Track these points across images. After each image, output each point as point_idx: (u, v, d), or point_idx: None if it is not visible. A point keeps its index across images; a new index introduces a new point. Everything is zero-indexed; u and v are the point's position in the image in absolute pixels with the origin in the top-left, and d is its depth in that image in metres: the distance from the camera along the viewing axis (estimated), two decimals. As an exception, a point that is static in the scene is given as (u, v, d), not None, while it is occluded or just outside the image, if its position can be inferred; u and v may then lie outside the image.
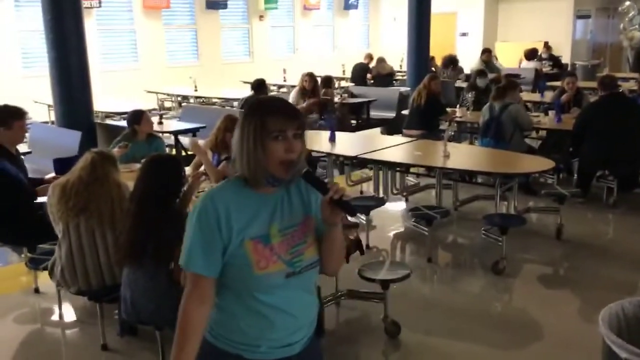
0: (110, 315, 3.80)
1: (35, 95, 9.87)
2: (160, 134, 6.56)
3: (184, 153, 7.33)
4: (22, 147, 5.31)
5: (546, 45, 14.53)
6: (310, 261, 1.75)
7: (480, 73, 8.76)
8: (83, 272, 3.41)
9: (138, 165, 4.49)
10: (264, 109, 1.70)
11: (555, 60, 13.91)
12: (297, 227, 1.75)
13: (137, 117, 5.36)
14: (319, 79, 9.05)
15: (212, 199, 1.69)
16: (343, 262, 1.88)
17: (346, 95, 10.25)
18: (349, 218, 4.36)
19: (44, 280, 4.09)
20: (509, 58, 14.42)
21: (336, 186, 1.66)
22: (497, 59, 13.18)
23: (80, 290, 3.46)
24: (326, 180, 1.70)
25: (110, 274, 3.41)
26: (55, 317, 4.06)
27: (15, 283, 4.45)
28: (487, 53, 12.00)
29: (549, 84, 9.76)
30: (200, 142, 4.64)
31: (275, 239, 1.70)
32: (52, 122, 7.94)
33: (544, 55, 13.76)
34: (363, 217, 5.26)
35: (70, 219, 3.38)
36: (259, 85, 8.30)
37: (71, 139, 6.28)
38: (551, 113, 6.99)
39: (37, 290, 4.32)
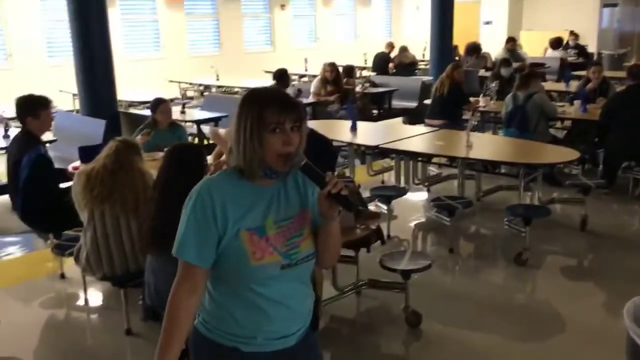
0: (134, 300, 3.85)
1: (60, 84, 10.01)
2: (183, 123, 6.61)
3: (206, 142, 7.37)
4: (47, 136, 5.41)
5: (573, 34, 14.27)
6: (306, 253, 1.73)
7: (504, 62, 8.64)
8: (108, 259, 3.46)
9: (161, 154, 4.54)
10: (261, 100, 1.65)
11: (581, 49, 13.67)
12: (293, 219, 1.73)
13: (155, 106, 5.42)
14: (340, 69, 9.02)
15: (209, 189, 1.67)
16: (338, 257, 1.85)
17: (368, 84, 10.21)
18: (370, 208, 4.37)
19: (70, 266, 4.16)
20: (533, 47, 14.20)
21: (334, 180, 1.62)
22: (521, 47, 12.99)
23: (105, 276, 3.51)
24: (328, 173, 1.65)
25: (134, 261, 3.46)
26: (80, 302, 4.13)
27: (41, 269, 4.54)
28: (511, 42, 11.83)
29: (574, 73, 9.59)
30: (221, 131, 4.67)
31: (270, 231, 1.68)
32: (77, 111, 8.04)
33: (570, 44, 13.52)
34: (384, 207, 5.25)
35: (95, 207, 3.43)
36: (281, 75, 8.30)
37: (96, 128, 6.36)
38: (576, 103, 6.88)
39: (62, 276, 4.41)
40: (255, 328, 1.70)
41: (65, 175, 4.29)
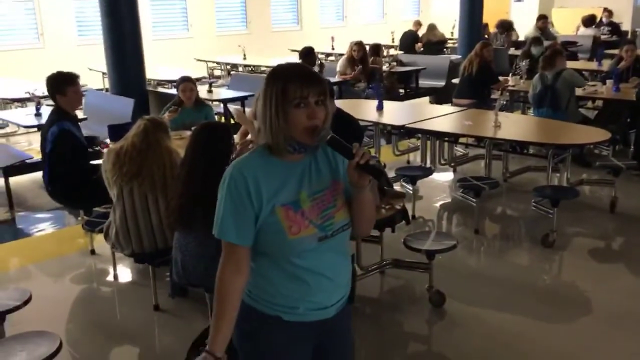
0: (162, 277, 3.93)
1: (90, 62, 10.13)
2: (210, 102, 6.65)
3: (232, 121, 7.41)
4: (78, 114, 5.49)
5: (607, 10, 13.88)
6: (342, 224, 1.77)
7: (535, 40, 8.46)
8: (136, 235, 3.53)
9: (188, 132, 4.59)
10: (284, 75, 1.67)
11: (614, 27, 13.30)
12: (325, 191, 1.76)
13: (178, 85, 5.46)
14: (367, 48, 8.94)
15: (240, 169, 1.69)
16: (373, 224, 1.90)
17: (395, 63, 10.11)
18: (395, 188, 4.35)
19: (100, 242, 4.25)
20: (565, 25, 13.86)
21: (361, 151, 1.64)
22: (553, 25, 12.69)
23: (134, 252, 3.59)
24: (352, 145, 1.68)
25: (162, 238, 3.52)
26: (109, 277, 4.23)
27: (72, 245, 4.64)
28: (543, 20, 11.56)
29: (607, 52, 9.36)
30: (246, 110, 4.68)
31: (305, 204, 1.72)
32: (106, 90, 8.14)
33: (604, 21, 13.16)
34: (410, 187, 5.23)
35: (124, 184, 3.49)
36: (308, 53, 8.27)
37: (124, 106, 6.44)
38: (608, 82, 6.72)
39: (93, 252, 4.51)
40: (297, 298, 1.75)
41: (92, 151, 4.35)
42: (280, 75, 1.68)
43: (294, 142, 1.67)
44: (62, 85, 4.34)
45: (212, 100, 7.32)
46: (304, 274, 1.74)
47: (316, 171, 1.76)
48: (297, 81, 1.64)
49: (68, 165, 4.29)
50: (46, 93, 8.26)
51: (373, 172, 1.67)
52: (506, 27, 11.46)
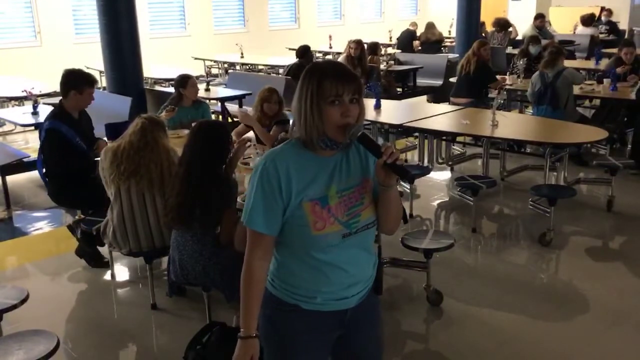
0: (160, 275, 3.93)
1: (87, 61, 10.11)
2: (207, 101, 6.64)
3: (230, 120, 7.40)
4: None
5: (607, 10, 13.90)
6: (367, 222, 1.79)
7: (533, 39, 8.47)
8: (134, 234, 3.52)
9: (185, 131, 4.59)
10: (320, 72, 1.70)
11: (612, 26, 13.31)
12: (354, 188, 1.78)
13: (183, 82, 5.44)
14: (365, 46, 8.94)
15: (274, 160, 1.72)
16: (400, 222, 1.92)
17: (392, 62, 10.11)
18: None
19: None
20: (563, 24, 13.87)
21: (390, 149, 1.66)
22: (550, 24, 12.70)
23: (131, 251, 3.58)
24: (380, 144, 1.70)
25: (159, 236, 3.52)
26: (107, 276, 4.22)
27: (70, 243, 4.62)
28: (540, 18, 11.56)
29: (604, 50, 9.37)
30: (249, 110, 4.70)
31: (332, 201, 1.74)
32: (104, 88, 8.13)
33: (603, 20, 13.18)
34: (407, 185, 5.24)
35: (121, 183, 3.49)
36: (304, 52, 8.27)
37: (122, 105, 6.44)
38: (606, 81, 6.73)
39: (90, 251, 4.50)
40: (315, 289, 1.79)
41: (83, 156, 4.33)
42: (316, 72, 1.70)
43: (327, 138, 1.70)
44: (82, 83, 4.33)
45: (210, 99, 7.32)
46: (324, 267, 1.77)
47: (347, 168, 1.79)
48: (332, 79, 1.66)
49: (58, 165, 4.31)
50: (43, 91, 8.31)
51: (400, 171, 1.69)
52: (503, 25, 11.45)
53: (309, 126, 1.68)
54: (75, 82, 4.32)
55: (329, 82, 1.66)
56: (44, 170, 4.48)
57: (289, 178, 1.70)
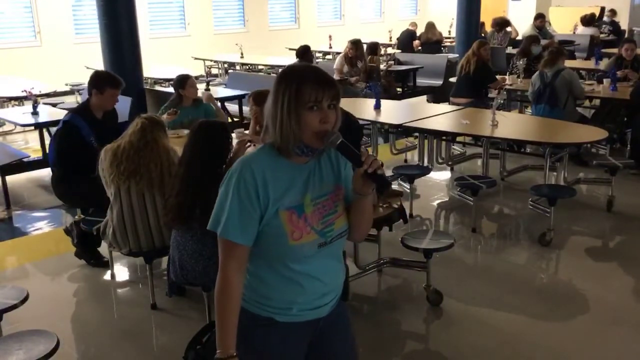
0: (160, 275, 3.93)
1: (87, 61, 10.12)
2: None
3: (230, 119, 7.40)
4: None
5: (611, 10, 13.89)
6: (340, 231, 1.76)
7: (534, 40, 8.48)
8: (134, 234, 3.52)
9: (186, 131, 4.59)
10: (298, 76, 1.63)
11: (615, 27, 13.32)
12: (327, 196, 1.74)
13: (182, 82, 5.44)
14: (365, 46, 8.94)
15: (250, 167, 1.65)
16: (369, 230, 1.88)
17: (392, 62, 10.11)
18: (393, 186, 4.36)
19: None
20: (563, 24, 13.87)
21: (371, 158, 1.61)
22: (550, 24, 12.71)
23: (131, 251, 3.58)
24: (361, 152, 1.66)
25: (159, 236, 3.52)
26: (107, 276, 4.22)
27: (69, 243, 4.61)
28: (540, 18, 11.56)
29: (604, 50, 9.37)
30: (246, 132, 4.68)
31: (308, 209, 1.69)
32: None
33: (606, 20, 13.17)
34: (407, 185, 5.24)
35: (121, 183, 3.49)
36: (304, 52, 8.26)
37: (122, 105, 6.38)
38: (606, 81, 6.73)
39: (90, 251, 4.49)
40: (290, 300, 1.74)
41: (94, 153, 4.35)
42: (294, 76, 1.64)
43: (303, 145, 1.64)
44: (105, 84, 4.40)
45: (214, 99, 7.30)
46: (299, 277, 1.72)
47: (320, 175, 1.74)
48: (312, 84, 1.60)
49: (62, 156, 4.35)
50: (43, 91, 8.33)
51: (380, 181, 1.62)
52: (501, 24, 11.44)
53: (285, 132, 1.61)
54: (98, 81, 4.42)
55: (308, 87, 1.59)
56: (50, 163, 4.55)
57: (265, 185, 1.64)
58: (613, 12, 13.85)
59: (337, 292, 1.85)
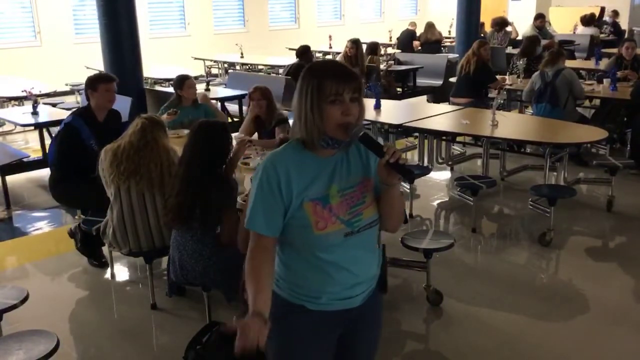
0: (160, 275, 3.93)
1: (87, 61, 10.12)
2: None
3: (230, 119, 7.40)
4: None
5: (613, 11, 13.89)
6: (369, 220, 1.80)
7: (534, 40, 8.48)
8: (134, 234, 3.52)
9: (186, 131, 4.58)
10: (320, 72, 1.71)
11: (616, 27, 13.32)
12: (355, 187, 1.78)
13: (180, 83, 5.44)
14: (364, 46, 8.94)
15: (273, 163, 1.73)
16: (402, 220, 1.93)
17: (392, 62, 10.10)
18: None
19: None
20: (563, 24, 13.87)
21: (392, 149, 1.66)
22: (550, 24, 12.71)
23: (131, 251, 3.58)
24: (382, 143, 1.71)
25: (159, 236, 3.52)
26: (107, 276, 4.22)
27: (69, 243, 4.61)
28: (540, 18, 11.57)
29: (604, 50, 9.37)
30: (239, 135, 4.65)
31: (334, 200, 1.74)
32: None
33: (607, 20, 13.17)
34: (407, 185, 5.23)
35: (121, 183, 3.49)
36: (303, 52, 8.27)
37: (122, 105, 6.39)
38: (606, 81, 6.74)
39: (90, 251, 4.49)
40: (319, 289, 1.79)
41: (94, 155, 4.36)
42: (316, 72, 1.71)
43: (327, 138, 1.70)
44: (95, 81, 4.44)
45: (210, 99, 7.30)
46: (327, 267, 1.77)
47: (347, 167, 1.79)
48: (332, 78, 1.67)
49: (61, 158, 4.35)
50: (43, 91, 8.34)
51: (402, 170, 1.69)
52: (500, 23, 11.45)
53: (309, 126, 1.68)
54: (90, 82, 4.47)
55: (329, 82, 1.66)
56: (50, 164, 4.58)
57: (288, 179, 1.71)
58: (615, 13, 13.85)
59: (370, 283, 1.88)
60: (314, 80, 1.68)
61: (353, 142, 1.73)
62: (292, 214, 1.72)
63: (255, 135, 4.82)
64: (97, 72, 4.66)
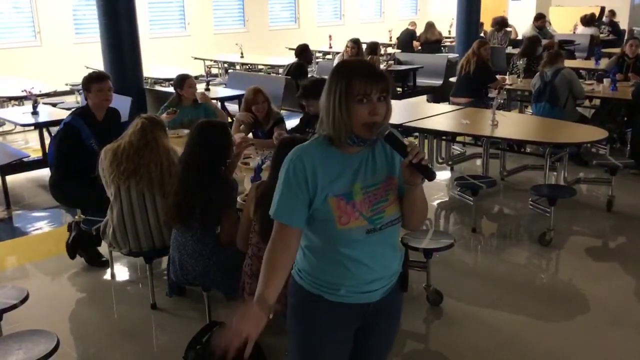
0: (160, 275, 3.93)
1: (87, 61, 10.11)
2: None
3: (230, 119, 7.40)
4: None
5: (610, 11, 13.91)
6: (391, 218, 1.82)
7: (535, 40, 8.48)
8: (134, 234, 3.52)
9: (186, 131, 4.59)
10: (348, 71, 1.73)
11: (614, 27, 13.32)
12: (379, 185, 1.81)
13: (181, 83, 5.44)
14: (364, 46, 8.94)
15: (301, 155, 1.76)
16: (424, 219, 1.95)
17: (392, 62, 10.10)
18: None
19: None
20: (563, 24, 13.87)
21: (416, 149, 1.68)
22: (550, 24, 12.71)
23: (131, 251, 3.58)
24: (407, 143, 1.73)
25: (159, 236, 3.52)
26: (107, 276, 4.22)
27: (69, 243, 4.63)
28: (540, 19, 11.57)
29: (604, 50, 9.37)
30: (239, 135, 4.62)
31: (357, 197, 1.77)
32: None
33: (605, 20, 13.19)
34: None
35: (121, 183, 3.49)
36: (303, 51, 8.27)
37: (122, 105, 6.40)
38: (606, 81, 6.74)
39: (90, 251, 4.49)
40: (338, 281, 1.82)
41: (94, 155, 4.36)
42: (345, 71, 1.74)
43: (354, 135, 1.72)
44: (88, 81, 4.42)
45: (210, 99, 7.30)
46: (348, 262, 1.80)
47: (373, 165, 1.81)
48: (361, 78, 1.69)
49: (64, 160, 4.34)
50: (43, 91, 8.34)
51: (425, 171, 1.70)
52: (500, 23, 11.45)
53: (337, 123, 1.71)
54: (84, 83, 4.46)
55: (358, 81, 1.68)
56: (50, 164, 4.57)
57: (314, 173, 1.74)
58: (612, 13, 13.85)
59: (390, 280, 1.90)
60: (343, 79, 1.71)
61: (379, 140, 1.76)
62: (317, 207, 1.75)
63: (250, 135, 4.82)
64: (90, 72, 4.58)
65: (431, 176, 1.71)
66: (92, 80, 4.43)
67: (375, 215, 1.78)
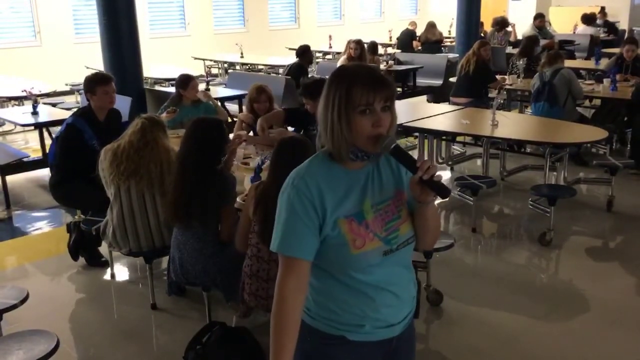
0: (160, 275, 3.93)
1: (87, 61, 10.12)
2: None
3: (230, 119, 7.40)
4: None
5: (602, 11, 13.92)
6: (407, 237, 1.64)
7: (533, 39, 8.48)
8: (134, 234, 3.52)
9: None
10: (349, 78, 1.53)
11: (610, 27, 13.32)
12: (389, 201, 1.63)
13: (184, 83, 5.43)
14: (365, 46, 8.94)
15: (303, 178, 1.56)
16: (438, 237, 1.76)
17: (392, 62, 10.11)
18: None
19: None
20: (563, 24, 13.88)
21: (427, 165, 1.49)
22: (550, 24, 12.72)
23: (131, 251, 3.58)
24: (416, 157, 1.57)
25: (159, 237, 3.52)
26: (107, 276, 4.21)
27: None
28: (540, 18, 11.57)
29: (604, 50, 9.37)
30: (242, 132, 4.62)
31: (368, 216, 1.58)
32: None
33: (599, 22, 13.20)
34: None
35: (121, 183, 3.49)
36: (304, 52, 8.26)
37: (122, 105, 6.40)
38: (606, 81, 6.74)
39: (90, 251, 4.49)
40: (362, 316, 1.62)
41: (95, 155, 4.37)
42: (344, 78, 1.54)
43: (356, 150, 1.54)
44: (94, 84, 4.40)
45: (211, 96, 7.31)
46: (368, 289, 1.60)
47: (379, 180, 1.63)
48: (363, 85, 1.50)
49: (66, 161, 4.34)
50: (43, 91, 8.34)
51: (438, 189, 1.51)
52: (501, 23, 11.45)
53: (336, 138, 1.52)
54: (87, 84, 4.43)
55: (359, 89, 1.49)
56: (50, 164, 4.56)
57: (321, 195, 1.54)
58: (604, 13, 13.87)
59: (411, 306, 1.73)
60: (342, 87, 1.51)
61: (383, 153, 1.57)
62: (327, 232, 1.55)
63: (251, 134, 4.81)
64: (93, 72, 4.56)
65: (445, 193, 1.51)
66: (97, 82, 4.40)
67: (390, 235, 1.60)
